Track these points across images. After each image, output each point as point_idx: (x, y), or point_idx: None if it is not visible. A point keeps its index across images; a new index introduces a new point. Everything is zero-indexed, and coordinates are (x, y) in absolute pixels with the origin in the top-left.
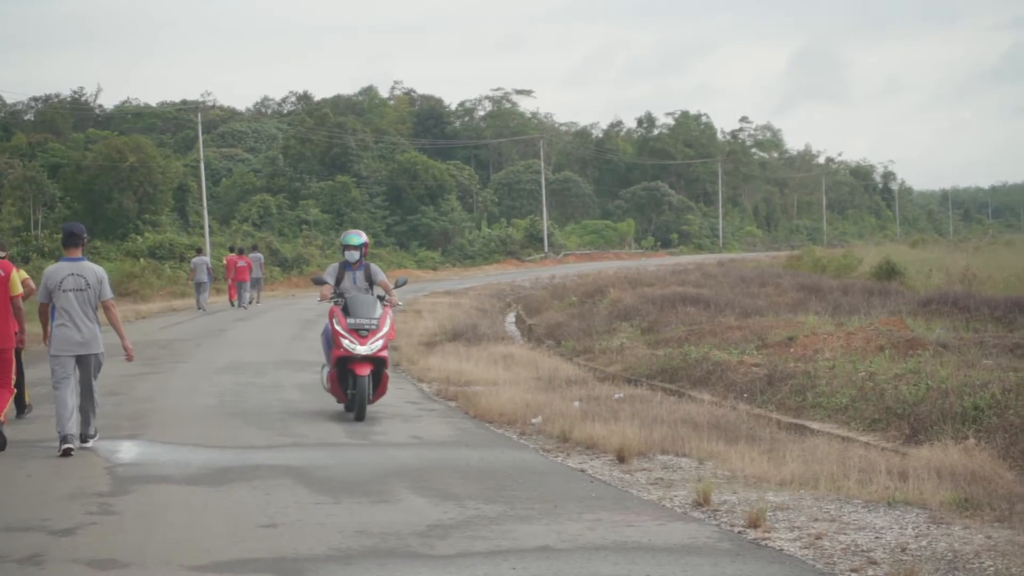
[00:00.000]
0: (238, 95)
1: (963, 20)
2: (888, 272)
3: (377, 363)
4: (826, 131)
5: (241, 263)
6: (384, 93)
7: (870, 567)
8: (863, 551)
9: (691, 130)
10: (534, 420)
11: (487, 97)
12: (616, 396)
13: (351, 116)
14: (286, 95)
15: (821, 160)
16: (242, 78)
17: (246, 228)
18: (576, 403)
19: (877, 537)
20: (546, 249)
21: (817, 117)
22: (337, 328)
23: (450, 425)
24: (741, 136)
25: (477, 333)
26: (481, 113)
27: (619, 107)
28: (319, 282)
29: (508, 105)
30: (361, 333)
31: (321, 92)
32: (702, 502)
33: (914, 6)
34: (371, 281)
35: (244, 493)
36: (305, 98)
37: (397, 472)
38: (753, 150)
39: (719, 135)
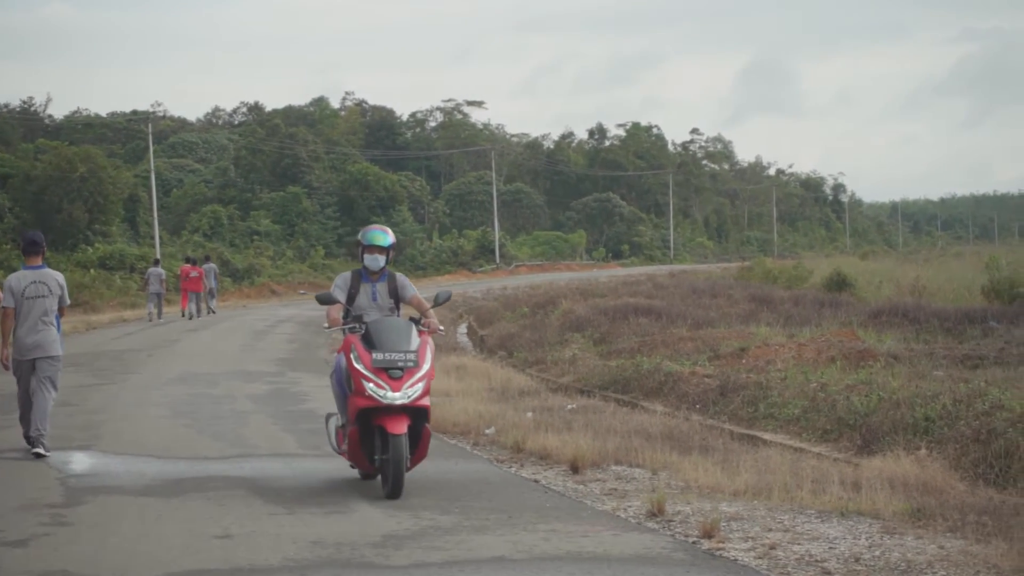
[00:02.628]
0: (189, 106)
1: (913, 34)
2: (839, 283)
3: (416, 415)
4: (777, 143)
5: (194, 274)
6: (335, 104)
7: None
8: (817, 561)
9: (642, 142)
10: (487, 431)
11: (438, 108)
12: (569, 407)
13: (302, 127)
14: (237, 106)
15: (772, 172)
16: (193, 89)
17: (197, 239)
18: (529, 414)
19: (831, 547)
20: (497, 260)
21: (768, 129)
22: (358, 368)
23: None
24: (692, 148)
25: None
26: (432, 124)
27: (570, 118)
28: (326, 300)
29: (459, 116)
30: (393, 374)
31: (272, 103)
32: (656, 512)
33: (864, 20)
34: (398, 298)
35: (198, 504)
36: (256, 109)
37: (351, 483)
38: (704, 162)
39: (670, 147)
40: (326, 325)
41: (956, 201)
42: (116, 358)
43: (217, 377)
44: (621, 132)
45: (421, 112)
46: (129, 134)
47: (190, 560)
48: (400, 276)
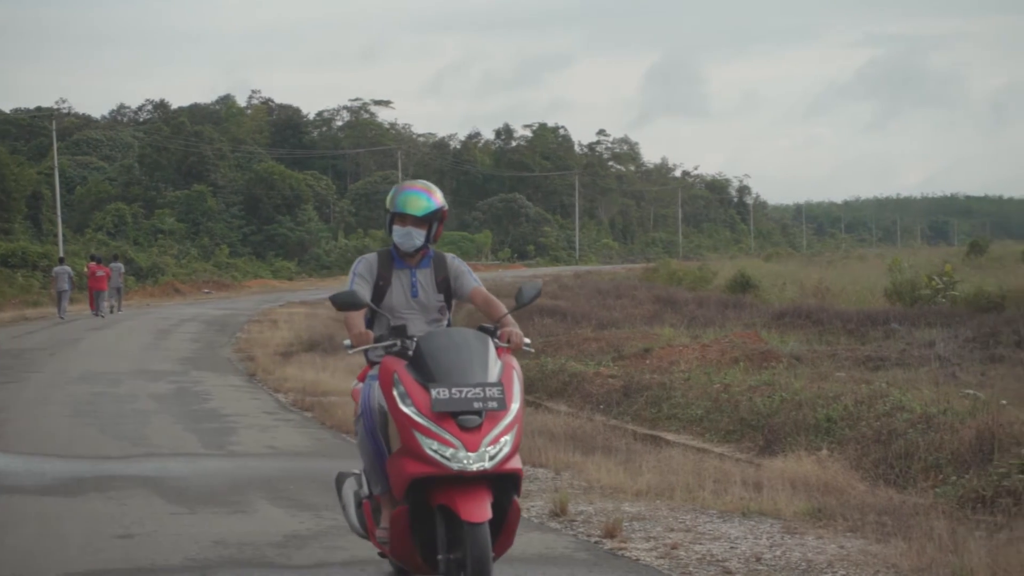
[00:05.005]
0: (94, 103)
1: (818, 38)
2: (742, 285)
3: (501, 485)
4: (683, 145)
5: (99, 272)
6: (242, 102)
7: None
8: (718, 561)
9: (549, 142)
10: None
11: (345, 107)
12: None
13: (208, 125)
14: (142, 103)
15: (677, 174)
16: (98, 86)
17: (101, 237)
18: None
19: (732, 547)
20: None
21: (674, 131)
22: (407, 413)
23: (307, 435)
24: (598, 149)
25: (333, 343)
26: (339, 123)
27: (477, 119)
28: (346, 302)
29: (366, 116)
30: (465, 422)
31: (178, 101)
32: (559, 512)
33: (770, 23)
34: (449, 292)
35: (99, 503)
36: (162, 107)
37: (253, 482)
38: (610, 163)
39: (576, 148)
40: (347, 343)
41: (860, 204)
42: (17, 356)
43: (120, 376)
44: (528, 133)
45: (328, 111)
46: (33, 131)
47: (90, 560)
48: (452, 259)
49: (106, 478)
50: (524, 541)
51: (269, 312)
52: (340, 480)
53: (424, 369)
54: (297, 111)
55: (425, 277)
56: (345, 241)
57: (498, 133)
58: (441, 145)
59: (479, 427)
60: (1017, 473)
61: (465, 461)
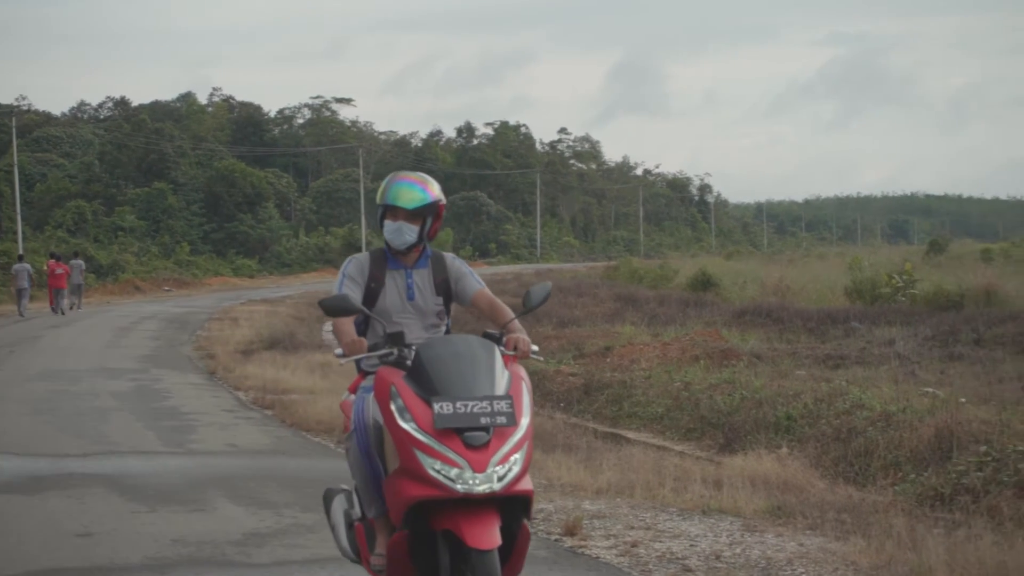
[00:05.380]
0: (54, 100)
1: (780, 37)
2: (704, 283)
3: (512, 508)
4: (644, 143)
5: (59, 270)
6: (203, 100)
7: (685, 574)
8: (678, 559)
9: (510, 141)
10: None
11: (307, 105)
12: None
13: (169, 122)
14: (103, 100)
15: (639, 172)
16: (59, 83)
17: (61, 234)
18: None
19: (692, 545)
20: None
21: (635, 129)
22: (407, 429)
23: (267, 433)
24: (560, 147)
25: (294, 341)
26: (300, 121)
27: (439, 117)
28: (336, 308)
29: (328, 113)
30: (472, 439)
31: (139, 98)
32: None
33: (732, 22)
34: (449, 295)
35: (58, 502)
36: (122, 104)
37: (213, 480)
38: (572, 161)
39: (538, 146)
40: (338, 352)
41: (820, 202)
42: None
43: (79, 374)
44: (489, 131)
45: (289, 109)
46: None
47: (49, 558)
48: (452, 259)
49: (65, 476)
50: None
51: (230, 310)
52: (328, 498)
53: (425, 381)
54: (258, 109)
55: (422, 278)
56: (306, 239)
57: (460, 131)
58: (402, 143)
59: (486, 445)
60: (975, 471)
61: (471, 482)
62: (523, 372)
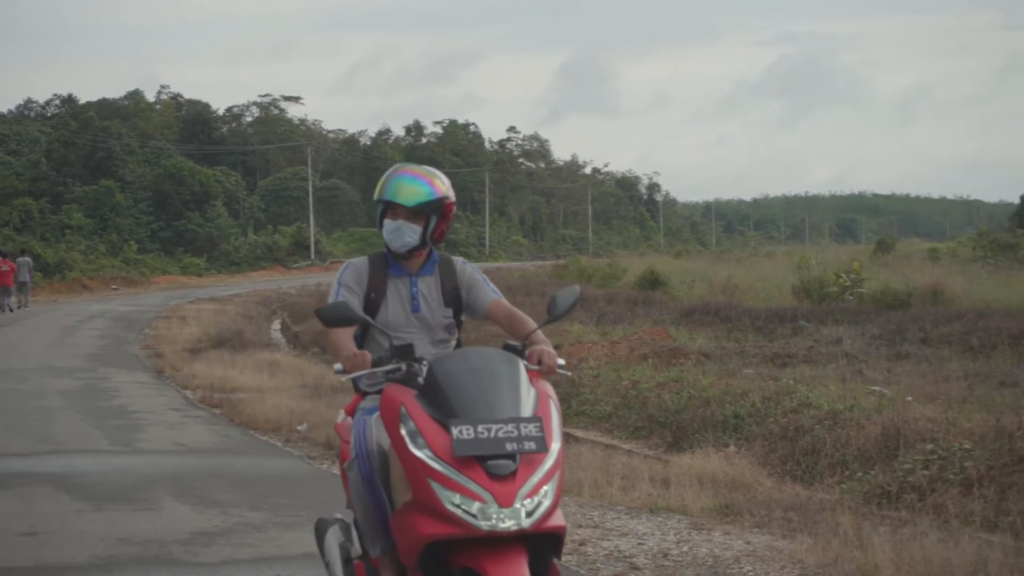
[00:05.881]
0: (0, 97)
1: (728, 36)
2: (652, 282)
3: (540, 545)
4: (593, 142)
5: (4, 267)
6: (151, 97)
7: (632, 573)
8: (626, 557)
9: (459, 139)
10: (299, 427)
11: (255, 103)
12: None
13: (116, 120)
14: (50, 98)
15: (588, 171)
16: (4, 80)
17: (7, 232)
18: (341, 411)
19: (639, 543)
20: (313, 256)
21: (584, 128)
22: (421, 457)
23: (214, 432)
24: (509, 146)
25: (242, 340)
26: (249, 119)
27: (388, 115)
28: (336, 318)
29: (276, 112)
30: (496, 468)
31: (86, 95)
32: None
33: (681, 21)
34: (460, 306)
35: (4, 501)
36: (70, 101)
37: (160, 479)
38: (520, 160)
39: (487, 144)
40: (338, 368)
41: (769, 202)
42: None
43: (26, 373)
44: (438, 130)
45: (237, 107)
46: None
47: None
48: (463, 264)
49: (11, 475)
50: None
51: (178, 308)
52: (321, 529)
53: (440, 401)
54: (206, 107)
55: (429, 287)
56: (255, 237)
57: (408, 130)
58: (351, 141)
59: (513, 474)
60: (921, 469)
61: (496, 518)
62: (550, 390)
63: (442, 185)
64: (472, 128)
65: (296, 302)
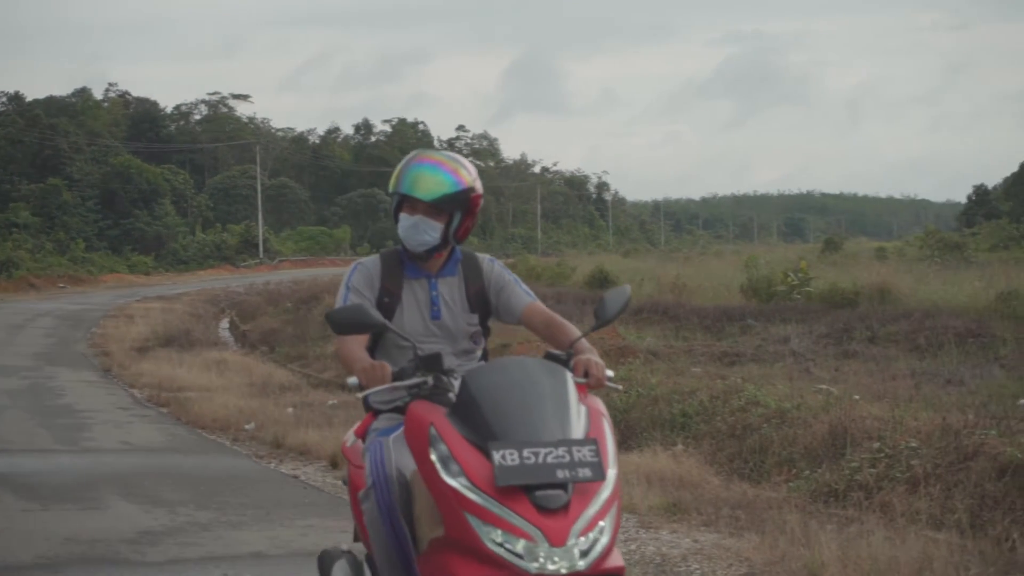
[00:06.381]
0: None
1: (677, 35)
2: (601, 281)
3: None
4: (542, 141)
5: None
6: (98, 95)
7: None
8: None
9: (408, 138)
10: (247, 426)
11: (203, 101)
12: (330, 402)
13: (64, 118)
14: None
15: (537, 170)
16: None
17: None
18: (290, 409)
19: None
20: (261, 255)
21: (533, 127)
22: (455, 486)
23: (162, 431)
24: (458, 144)
25: (190, 339)
26: (197, 117)
27: (337, 114)
28: (349, 323)
29: (225, 110)
30: (546, 500)
31: (33, 93)
32: None
33: (630, 20)
34: (487, 310)
35: None
36: (16, 99)
37: (107, 479)
38: (470, 158)
39: (436, 143)
40: (353, 382)
41: (717, 201)
42: None
43: None
44: (387, 128)
45: (186, 105)
46: None
47: None
48: (489, 262)
49: None
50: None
51: (125, 307)
52: (327, 562)
53: (477, 420)
54: (155, 104)
55: (451, 290)
56: (203, 236)
57: (357, 128)
58: (300, 140)
59: (565, 507)
60: (868, 467)
61: (545, 559)
62: (602, 406)
63: (467, 175)
64: (421, 127)
65: (244, 301)
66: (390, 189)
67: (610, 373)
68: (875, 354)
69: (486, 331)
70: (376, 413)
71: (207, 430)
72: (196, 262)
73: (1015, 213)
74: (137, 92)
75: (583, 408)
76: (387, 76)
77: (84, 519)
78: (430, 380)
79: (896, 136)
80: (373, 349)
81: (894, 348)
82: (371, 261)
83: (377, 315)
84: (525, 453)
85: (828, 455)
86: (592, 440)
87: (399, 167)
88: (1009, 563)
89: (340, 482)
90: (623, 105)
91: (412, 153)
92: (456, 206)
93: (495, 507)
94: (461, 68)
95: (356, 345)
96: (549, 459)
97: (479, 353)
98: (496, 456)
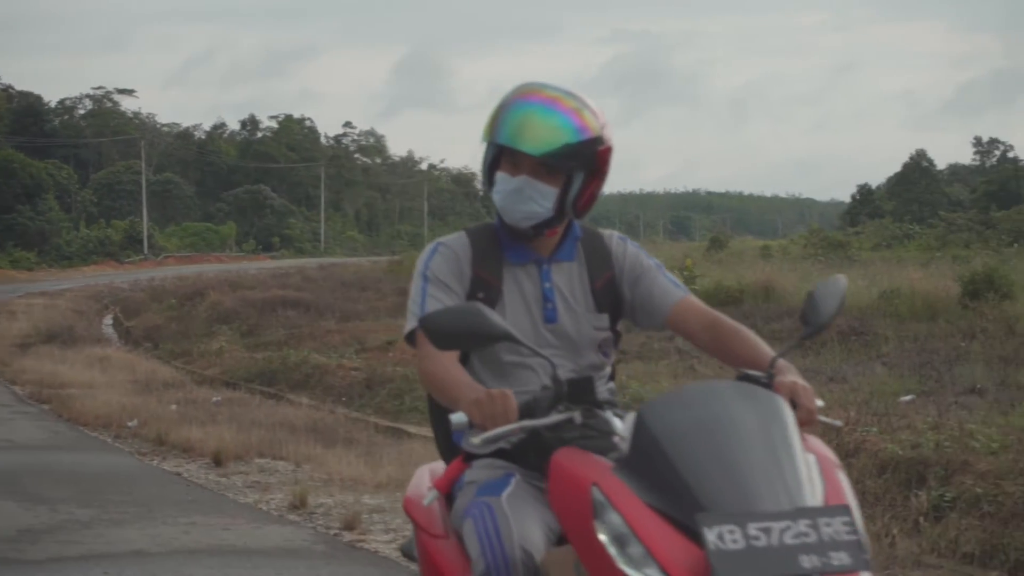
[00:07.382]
0: None
1: (564, 33)
2: None
3: None
4: (430, 138)
5: None
6: None
7: None
8: None
9: (294, 134)
10: (130, 423)
11: (88, 96)
12: (214, 400)
13: None
14: None
15: (424, 167)
16: None
17: None
18: (173, 406)
19: None
20: (146, 251)
21: (421, 124)
22: None
23: (43, 428)
24: (345, 141)
25: (73, 335)
26: (82, 112)
27: (223, 109)
28: (453, 335)
29: (109, 104)
30: None
31: None
32: (299, 505)
33: (518, 19)
34: (622, 309)
35: None
36: None
37: None
38: (356, 155)
39: (323, 140)
40: (460, 419)
41: (604, 199)
42: None
43: None
44: (274, 124)
45: (70, 99)
46: None
47: None
48: (619, 240)
49: None
50: (262, 534)
51: (7, 303)
52: None
53: (665, 479)
54: (38, 99)
55: (570, 280)
56: (87, 231)
57: (244, 124)
58: (185, 135)
59: None
60: None
61: None
62: (832, 454)
63: (593, 120)
64: (308, 123)
65: (128, 297)
66: (483, 138)
67: (820, 403)
68: None
69: (617, 338)
70: (470, 458)
71: (89, 427)
72: (80, 258)
73: (898, 212)
74: (21, 86)
75: (811, 458)
76: (274, 72)
77: None
78: (578, 416)
79: (781, 135)
80: (465, 362)
81: (778, 345)
82: (457, 240)
83: (500, 321)
84: (751, 531)
85: None
86: (842, 508)
87: (497, 107)
88: (889, 558)
89: (397, 552)
90: None
91: (516, 87)
92: (577, 163)
93: None
94: (349, 64)
95: (453, 364)
96: (787, 538)
97: (609, 370)
98: (710, 536)
